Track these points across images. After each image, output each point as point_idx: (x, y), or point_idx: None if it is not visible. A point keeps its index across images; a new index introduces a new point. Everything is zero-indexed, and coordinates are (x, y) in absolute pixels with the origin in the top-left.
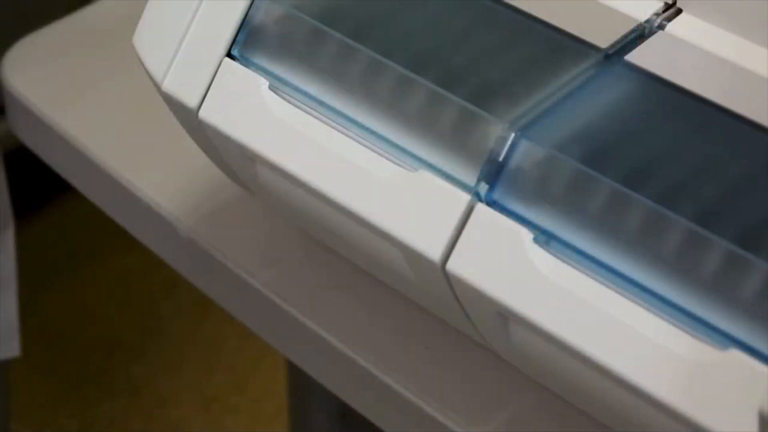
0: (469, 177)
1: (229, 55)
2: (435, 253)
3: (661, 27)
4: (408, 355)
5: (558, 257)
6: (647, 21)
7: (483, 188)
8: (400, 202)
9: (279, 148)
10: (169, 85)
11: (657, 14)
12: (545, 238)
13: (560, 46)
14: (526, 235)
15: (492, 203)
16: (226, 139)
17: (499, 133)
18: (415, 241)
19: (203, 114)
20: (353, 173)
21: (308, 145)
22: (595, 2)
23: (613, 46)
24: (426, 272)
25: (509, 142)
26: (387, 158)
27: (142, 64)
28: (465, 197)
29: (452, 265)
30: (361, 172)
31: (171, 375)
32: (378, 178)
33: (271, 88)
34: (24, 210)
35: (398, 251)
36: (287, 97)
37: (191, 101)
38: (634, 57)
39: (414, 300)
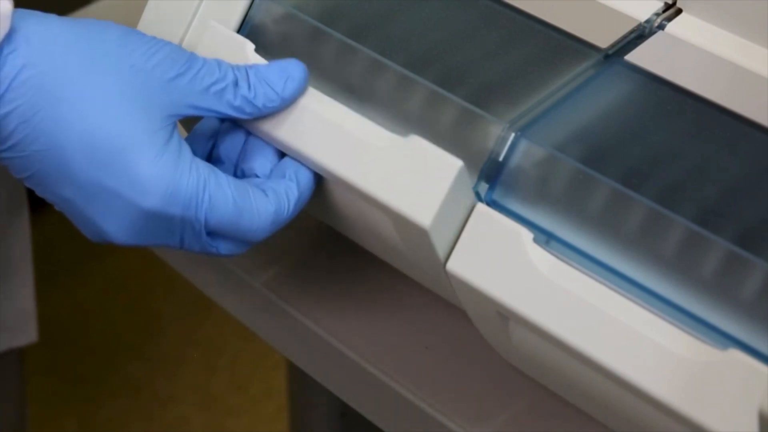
0: (470, 176)
1: None
2: (425, 219)
3: (661, 27)
4: (408, 355)
5: (558, 257)
6: (647, 21)
7: (483, 188)
8: (391, 168)
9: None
10: None
11: (657, 14)
12: (545, 237)
13: (560, 46)
14: (526, 235)
15: (492, 203)
16: None
17: (499, 133)
18: (404, 206)
19: None
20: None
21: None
22: (595, 2)
23: (613, 46)
24: (413, 237)
25: (509, 142)
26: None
27: None
28: None
29: (452, 265)
30: (341, 130)
31: (171, 375)
32: (374, 145)
33: None
34: None
35: (387, 218)
36: None
37: None
38: (634, 57)
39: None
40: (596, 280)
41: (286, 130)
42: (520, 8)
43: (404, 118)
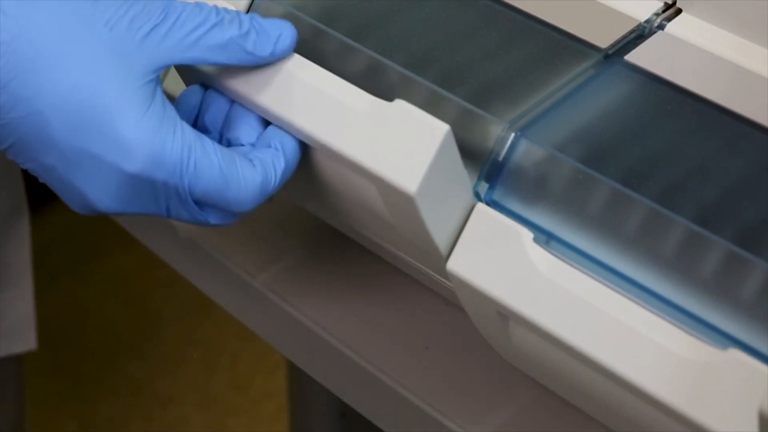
0: (470, 176)
1: None
2: (411, 185)
3: (661, 27)
4: (408, 355)
5: (558, 257)
6: (647, 21)
7: (483, 188)
8: (375, 133)
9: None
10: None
11: (657, 14)
12: (545, 237)
13: (560, 45)
14: (526, 234)
15: (492, 203)
16: None
17: (499, 133)
18: (389, 172)
19: None
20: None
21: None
22: (595, 2)
23: (613, 45)
24: (401, 209)
25: (509, 142)
26: None
27: None
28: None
29: (452, 265)
30: (329, 98)
31: (171, 375)
32: (358, 110)
33: None
34: None
35: (374, 188)
36: None
37: None
38: (634, 57)
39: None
40: (596, 280)
41: (270, 95)
42: (520, 8)
43: None
